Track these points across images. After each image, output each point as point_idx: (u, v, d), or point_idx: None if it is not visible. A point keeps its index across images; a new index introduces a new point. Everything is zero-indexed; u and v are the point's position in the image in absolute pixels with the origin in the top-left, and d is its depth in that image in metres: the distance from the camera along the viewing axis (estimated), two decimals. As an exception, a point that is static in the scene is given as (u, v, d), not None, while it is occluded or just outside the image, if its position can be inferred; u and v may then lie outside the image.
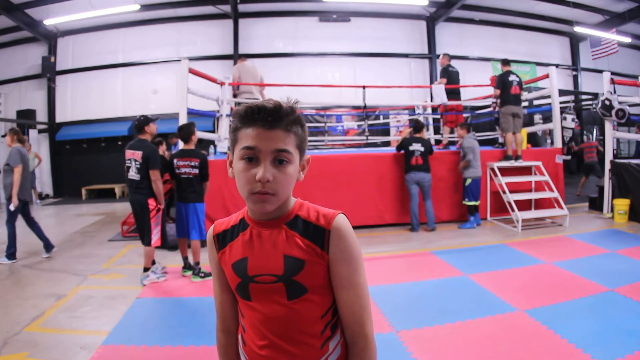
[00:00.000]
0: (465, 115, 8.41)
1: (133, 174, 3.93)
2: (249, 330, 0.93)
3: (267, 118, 0.83)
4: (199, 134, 4.66)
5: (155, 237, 3.98)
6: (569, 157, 9.92)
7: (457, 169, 6.21)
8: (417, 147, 5.82)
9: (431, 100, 8.71)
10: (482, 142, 8.64)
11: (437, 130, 9.08)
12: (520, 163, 6.32)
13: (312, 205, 0.95)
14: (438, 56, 12.60)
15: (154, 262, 4.08)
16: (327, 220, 0.89)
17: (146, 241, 3.96)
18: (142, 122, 4.00)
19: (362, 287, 0.91)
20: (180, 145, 4.67)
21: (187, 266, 4.17)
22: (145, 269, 3.98)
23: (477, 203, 6.07)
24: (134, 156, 3.91)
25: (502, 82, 6.36)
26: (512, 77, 6.35)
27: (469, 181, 6.00)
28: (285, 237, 0.89)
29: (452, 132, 7.75)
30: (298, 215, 0.92)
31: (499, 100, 6.57)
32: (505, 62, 6.65)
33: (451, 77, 7.67)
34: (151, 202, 3.95)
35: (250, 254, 0.91)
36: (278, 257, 0.88)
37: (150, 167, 3.88)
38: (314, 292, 0.89)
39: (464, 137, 6.18)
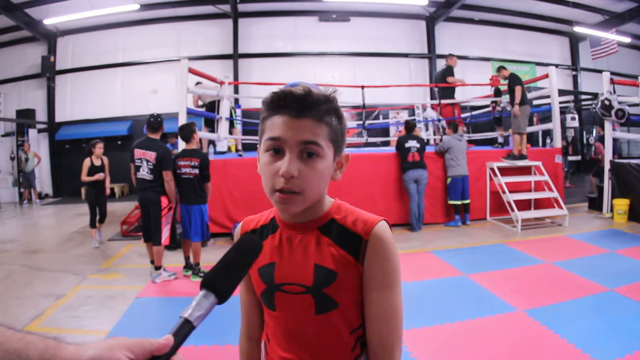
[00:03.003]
0: (464, 115, 8.43)
1: (145, 174, 3.93)
2: (273, 340, 0.86)
3: (294, 105, 0.74)
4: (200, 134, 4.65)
5: (165, 235, 3.99)
6: (578, 158, 9.91)
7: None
8: (412, 143, 5.88)
9: (430, 99, 8.72)
10: (481, 142, 8.67)
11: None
12: (525, 162, 6.31)
13: (352, 208, 0.84)
14: (438, 56, 12.66)
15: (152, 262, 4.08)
16: (366, 228, 0.79)
17: (156, 240, 3.96)
18: (160, 123, 4.02)
19: (395, 309, 0.79)
20: (181, 145, 4.66)
21: (188, 266, 4.17)
22: (157, 268, 3.99)
23: (458, 202, 6.09)
24: (145, 156, 3.91)
25: (520, 82, 6.29)
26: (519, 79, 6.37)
27: (449, 180, 6.09)
28: (318, 243, 0.80)
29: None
30: (334, 218, 0.82)
31: (513, 101, 6.38)
32: (504, 67, 6.61)
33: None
34: (164, 200, 3.96)
35: (278, 260, 0.82)
36: (308, 266, 0.79)
37: (164, 167, 3.89)
38: (345, 307, 0.79)
39: (448, 136, 6.28)
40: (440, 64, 12.61)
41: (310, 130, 0.74)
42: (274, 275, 0.82)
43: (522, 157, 6.27)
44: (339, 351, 0.81)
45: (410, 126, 6.21)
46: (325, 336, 0.81)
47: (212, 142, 7.32)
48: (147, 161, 3.90)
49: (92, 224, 5.75)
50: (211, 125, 6.87)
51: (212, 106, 6.80)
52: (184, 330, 0.56)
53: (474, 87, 8.68)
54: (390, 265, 0.79)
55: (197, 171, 4.02)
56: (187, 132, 4.16)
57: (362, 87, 7.36)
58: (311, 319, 0.80)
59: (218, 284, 0.61)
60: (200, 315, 0.58)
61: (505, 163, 6.30)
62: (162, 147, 4.00)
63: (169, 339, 0.52)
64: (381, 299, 0.79)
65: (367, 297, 0.80)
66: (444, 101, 7.71)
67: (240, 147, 7.19)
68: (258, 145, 0.82)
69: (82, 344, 0.50)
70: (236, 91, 11.09)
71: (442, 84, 7.72)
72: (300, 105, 0.74)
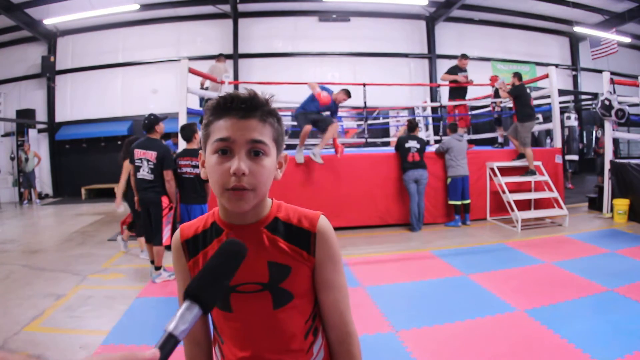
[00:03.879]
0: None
1: (145, 174, 3.92)
2: (228, 341, 0.87)
3: (241, 106, 0.78)
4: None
5: (166, 235, 3.99)
6: (575, 157, 9.91)
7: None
8: (412, 143, 5.88)
9: (431, 101, 8.72)
10: (481, 142, 8.67)
11: (436, 131, 9.09)
12: (534, 177, 6.30)
13: (291, 206, 0.89)
14: (438, 56, 12.66)
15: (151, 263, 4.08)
16: (311, 223, 0.85)
17: (157, 240, 3.96)
18: (152, 121, 3.99)
19: (345, 287, 0.90)
20: (181, 145, 4.66)
21: None
22: (157, 268, 3.99)
23: (458, 202, 6.09)
24: (145, 156, 3.91)
25: (518, 92, 6.27)
26: (528, 91, 6.34)
27: (449, 180, 6.10)
28: (268, 242, 0.83)
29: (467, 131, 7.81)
30: (277, 217, 0.86)
31: (517, 113, 6.35)
32: (520, 76, 6.52)
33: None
34: (164, 200, 3.96)
35: None
36: (262, 264, 0.82)
37: (165, 167, 3.89)
38: (299, 298, 0.85)
39: (448, 137, 6.27)
40: (440, 64, 12.65)
41: (257, 130, 0.78)
42: None
43: (532, 172, 6.26)
44: (294, 341, 0.86)
45: (411, 126, 6.21)
46: (282, 329, 0.85)
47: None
48: (148, 161, 3.90)
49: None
50: None
51: None
52: (169, 344, 0.56)
53: (474, 87, 8.67)
54: (336, 252, 0.88)
55: (197, 171, 4.01)
56: (188, 131, 4.16)
57: (364, 84, 7.37)
58: (269, 315, 0.84)
59: (202, 294, 0.61)
60: (185, 329, 0.58)
61: (529, 178, 6.29)
62: (163, 146, 4.00)
63: (155, 354, 0.52)
64: (335, 282, 0.88)
65: (322, 283, 0.87)
66: (450, 103, 7.73)
67: None
68: (200, 153, 0.86)
69: None
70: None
71: (446, 83, 7.74)
72: (247, 106, 0.78)
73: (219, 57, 7.41)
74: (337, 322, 0.89)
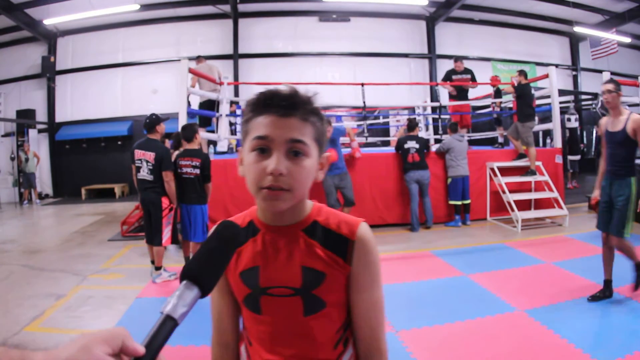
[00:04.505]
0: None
1: (145, 174, 3.92)
2: (256, 344, 0.86)
3: (282, 103, 0.75)
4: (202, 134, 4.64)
5: (166, 236, 3.99)
6: (577, 157, 9.92)
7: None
8: (411, 144, 5.87)
9: (431, 101, 8.70)
10: (481, 142, 8.66)
11: (436, 131, 9.08)
12: (535, 177, 6.30)
13: (332, 210, 0.86)
14: (438, 56, 12.67)
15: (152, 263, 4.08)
16: (351, 229, 0.82)
17: (157, 241, 3.95)
18: (154, 121, 3.99)
19: (381, 302, 0.85)
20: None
21: None
22: (157, 268, 3.99)
23: (459, 202, 6.09)
24: (145, 156, 3.91)
25: (521, 91, 6.26)
26: (532, 91, 6.34)
27: (449, 180, 6.11)
28: (304, 246, 0.80)
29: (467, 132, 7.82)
30: (316, 221, 0.83)
31: (519, 112, 6.33)
32: (525, 74, 6.50)
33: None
34: (164, 201, 3.96)
35: (262, 263, 0.82)
36: (295, 268, 0.80)
37: (164, 168, 3.89)
38: (331, 307, 0.81)
39: (449, 137, 6.27)
40: (441, 64, 12.65)
41: (297, 129, 0.75)
42: (259, 279, 0.82)
43: (532, 172, 6.26)
44: (323, 350, 0.83)
45: (411, 125, 6.20)
46: (311, 337, 0.82)
47: (211, 142, 7.32)
48: (147, 162, 3.90)
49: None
50: (205, 125, 6.87)
51: (209, 105, 6.80)
52: (167, 328, 0.51)
53: (473, 88, 8.67)
54: (375, 263, 0.84)
55: (198, 171, 4.01)
56: (189, 132, 4.15)
57: (362, 84, 7.37)
58: (299, 321, 0.81)
59: (201, 274, 0.57)
60: (184, 312, 0.53)
61: (529, 178, 6.29)
62: (161, 147, 4.00)
63: (138, 351, 0.48)
64: (370, 294, 0.83)
65: (356, 294, 0.83)
66: (450, 103, 7.72)
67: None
68: (239, 149, 0.82)
69: (51, 349, 0.44)
70: (236, 91, 11.12)
71: (444, 82, 7.75)
72: (288, 104, 0.75)
73: (198, 59, 7.21)
74: (368, 337, 0.85)
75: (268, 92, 0.76)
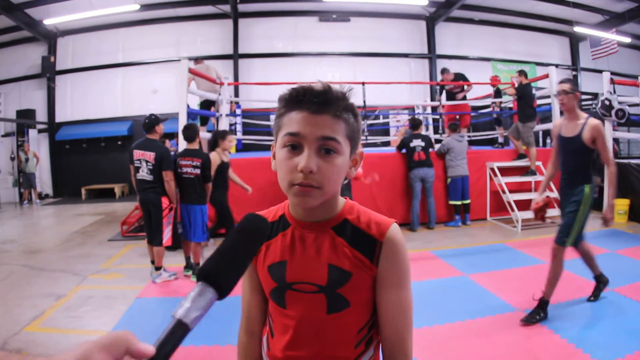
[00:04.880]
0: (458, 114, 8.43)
1: (144, 174, 3.92)
2: (278, 336, 0.86)
3: (314, 100, 0.74)
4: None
5: (167, 236, 3.99)
6: None
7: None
8: (417, 142, 5.87)
9: (431, 100, 8.71)
10: (482, 142, 8.67)
11: (436, 130, 9.09)
12: (535, 177, 6.30)
13: (364, 209, 0.85)
14: (438, 56, 12.66)
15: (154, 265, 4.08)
16: (380, 230, 0.81)
17: (157, 241, 3.95)
18: (153, 122, 3.99)
19: (408, 304, 0.83)
20: (182, 145, 4.65)
21: (189, 266, 4.16)
22: (157, 268, 3.99)
23: (459, 202, 6.09)
24: (144, 156, 3.91)
25: (522, 92, 6.24)
26: (534, 91, 6.34)
27: (449, 180, 6.11)
28: (332, 244, 0.80)
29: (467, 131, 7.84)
30: (347, 219, 0.82)
31: (520, 113, 6.32)
32: (525, 74, 6.51)
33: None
34: (164, 201, 3.96)
35: (289, 258, 0.82)
36: (322, 266, 0.80)
37: (164, 168, 3.89)
38: (355, 306, 0.81)
39: (449, 137, 6.28)
40: (440, 64, 12.64)
41: (329, 126, 0.75)
42: (286, 273, 0.82)
43: (532, 172, 6.26)
44: (344, 348, 0.82)
45: (415, 124, 6.19)
46: (333, 334, 0.82)
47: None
48: (147, 162, 3.90)
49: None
50: (204, 124, 6.87)
51: (208, 105, 6.80)
52: (178, 333, 0.48)
53: (474, 87, 8.67)
54: (404, 266, 0.82)
55: (198, 171, 4.01)
56: (192, 132, 4.15)
57: (363, 83, 7.39)
58: (322, 318, 0.81)
59: (218, 275, 0.53)
60: (197, 316, 0.49)
61: (529, 178, 6.30)
62: (161, 147, 4.01)
63: (148, 350, 0.45)
64: (397, 296, 0.81)
65: (383, 295, 0.82)
66: (450, 102, 7.74)
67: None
68: (272, 144, 0.82)
69: (50, 357, 0.42)
70: (236, 91, 11.12)
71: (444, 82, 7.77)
72: (320, 101, 0.74)
73: (197, 60, 7.17)
74: (393, 337, 0.82)
75: (301, 88, 0.76)
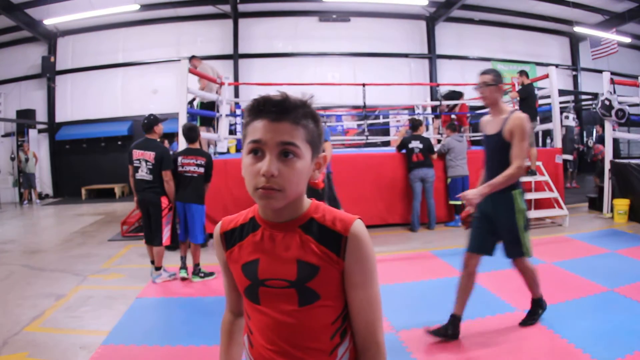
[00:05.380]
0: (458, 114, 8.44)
1: (144, 174, 3.92)
2: (257, 333, 0.91)
3: (272, 109, 0.80)
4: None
5: (166, 236, 3.99)
6: (570, 157, 9.92)
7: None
8: (415, 144, 5.88)
9: (431, 100, 8.72)
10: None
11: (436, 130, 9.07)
12: (535, 178, 6.29)
13: (328, 208, 0.91)
14: (438, 56, 12.67)
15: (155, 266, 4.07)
16: (344, 226, 0.86)
17: (157, 241, 3.95)
18: (152, 122, 4.00)
19: (376, 294, 0.89)
20: (181, 144, 4.66)
21: (184, 267, 4.11)
22: (157, 268, 3.99)
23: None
24: (144, 156, 3.91)
25: (526, 93, 6.23)
26: (536, 91, 6.33)
27: (449, 180, 6.12)
28: (300, 241, 0.86)
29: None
30: (313, 218, 0.88)
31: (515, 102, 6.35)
32: (526, 74, 6.49)
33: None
34: (164, 201, 3.96)
35: (261, 257, 0.88)
36: (291, 262, 0.85)
37: (164, 167, 3.89)
38: (326, 299, 0.86)
39: (449, 137, 6.27)
40: (440, 64, 12.66)
41: (288, 132, 0.80)
42: (258, 271, 0.87)
43: (532, 172, 6.25)
44: (319, 341, 0.87)
45: (414, 125, 6.19)
46: (307, 327, 0.87)
47: (210, 143, 7.31)
48: (146, 161, 3.90)
49: None
50: (207, 125, 6.86)
51: (209, 106, 6.80)
52: None
53: (474, 88, 8.68)
54: (368, 259, 0.87)
55: (202, 170, 4.00)
56: (194, 132, 4.15)
57: (364, 84, 7.39)
58: (295, 311, 0.86)
59: None
60: None
61: (529, 178, 6.29)
62: (161, 146, 4.01)
63: None
64: (365, 290, 0.87)
65: (352, 294, 0.87)
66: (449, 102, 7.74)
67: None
68: (243, 151, 0.88)
69: None
70: (236, 92, 11.12)
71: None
72: (278, 109, 0.80)
73: (193, 59, 7.03)
74: (363, 329, 0.89)
75: (261, 99, 0.82)
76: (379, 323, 0.90)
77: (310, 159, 0.85)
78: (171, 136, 8.84)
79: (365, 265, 0.86)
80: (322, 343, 0.87)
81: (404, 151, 6.04)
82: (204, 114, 6.84)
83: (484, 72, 2.58)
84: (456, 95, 8.01)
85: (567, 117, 9.68)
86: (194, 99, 6.78)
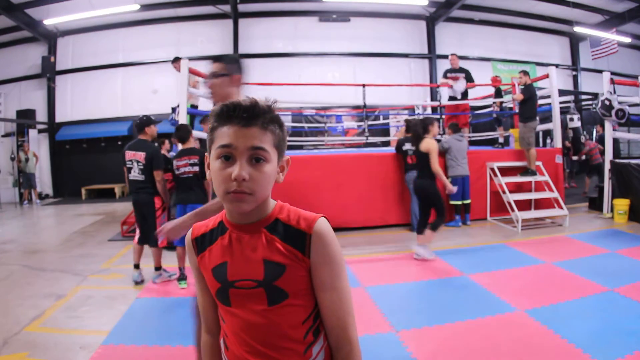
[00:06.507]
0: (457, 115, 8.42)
1: (136, 175, 3.92)
2: (231, 336, 0.92)
3: (243, 115, 0.82)
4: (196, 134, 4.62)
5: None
6: (574, 158, 9.94)
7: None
8: (408, 146, 5.84)
9: (431, 100, 8.70)
10: (482, 142, 8.66)
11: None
12: (534, 178, 6.29)
13: (293, 208, 0.92)
14: (438, 56, 12.66)
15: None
16: (308, 224, 0.87)
17: (152, 242, 3.94)
18: (143, 122, 3.99)
19: (345, 290, 0.90)
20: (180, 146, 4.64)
21: (182, 277, 3.98)
22: (157, 268, 3.98)
23: (459, 202, 6.09)
24: (135, 157, 3.91)
25: (530, 93, 6.22)
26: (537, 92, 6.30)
27: (449, 180, 6.05)
28: (265, 241, 0.87)
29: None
30: (278, 218, 0.89)
31: (522, 114, 6.29)
32: (528, 74, 6.45)
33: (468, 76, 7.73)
34: (157, 201, 3.96)
35: (229, 259, 0.89)
36: (258, 262, 0.86)
37: (155, 167, 3.89)
38: (295, 297, 0.87)
39: (448, 137, 6.25)
40: (441, 64, 12.64)
41: (258, 137, 0.83)
42: (227, 273, 0.89)
43: (532, 172, 6.25)
44: (292, 340, 0.88)
45: (408, 127, 6.17)
46: (278, 326, 0.88)
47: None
48: (138, 162, 3.90)
49: None
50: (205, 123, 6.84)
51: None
52: None
53: (474, 88, 8.67)
54: (334, 256, 0.88)
55: (197, 169, 3.97)
56: (184, 132, 4.11)
57: (364, 85, 7.39)
58: (265, 311, 0.87)
59: None
60: None
61: (529, 178, 6.28)
62: (151, 147, 4.00)
63: None
64: (333, 288, 0.88)
65: (319, 288, 0.89)
66: (449, 102, 7.73)
67: None
68: (206, 155, 0.90)
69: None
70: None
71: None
72: (249, 115, 0.82)
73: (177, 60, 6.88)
74: (335, 326, 0.90)
75: (231, 104, 0.83)
76: (351, 320, 0.91)
77: (276, 163, 0.87)
78: (170, 136, 8.82)
79: (331, 262, 0.88)
80: (294, 342, 0.88)
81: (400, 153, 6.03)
82: (203, 113, 6.82)
83: (216, 60, 1.87)
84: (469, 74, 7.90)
85: (572, 120, 9.67)
86: (178, 105, 6.72)
